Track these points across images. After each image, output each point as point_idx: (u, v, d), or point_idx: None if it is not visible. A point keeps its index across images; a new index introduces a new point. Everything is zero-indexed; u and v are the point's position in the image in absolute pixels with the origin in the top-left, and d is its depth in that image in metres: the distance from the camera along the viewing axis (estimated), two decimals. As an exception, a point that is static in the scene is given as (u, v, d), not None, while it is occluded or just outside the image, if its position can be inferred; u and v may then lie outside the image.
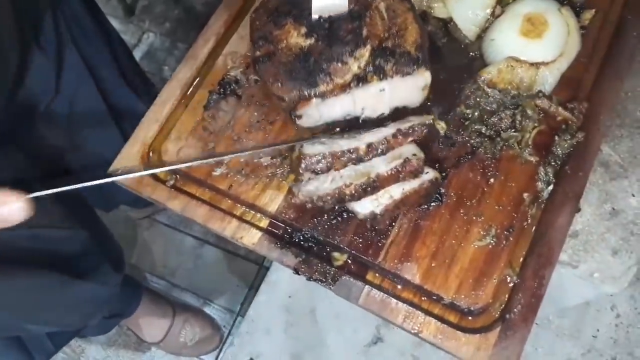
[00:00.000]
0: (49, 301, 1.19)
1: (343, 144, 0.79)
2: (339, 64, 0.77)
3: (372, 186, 0.78)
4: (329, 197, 0.78)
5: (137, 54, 2.25)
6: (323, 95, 0.77)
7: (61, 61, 1.06)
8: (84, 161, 1.19)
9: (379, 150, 0.78)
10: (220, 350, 1.82)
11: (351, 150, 0.77)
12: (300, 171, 0.77)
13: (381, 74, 0.78)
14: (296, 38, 0.80)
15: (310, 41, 0.79)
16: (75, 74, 1.10)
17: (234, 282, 1.96)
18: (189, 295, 1.97)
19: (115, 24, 2.24)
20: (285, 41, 0.80)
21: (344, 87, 0.77)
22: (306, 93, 0.78)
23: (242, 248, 1.94)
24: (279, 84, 0.79)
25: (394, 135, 0.78)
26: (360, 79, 0.78)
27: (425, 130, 0.80)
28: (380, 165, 0.78)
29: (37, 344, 1.34)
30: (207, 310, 1.93)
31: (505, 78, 0.86)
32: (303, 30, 0.80)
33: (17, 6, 0.91)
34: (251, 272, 1.92)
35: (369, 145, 0.77)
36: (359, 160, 0.77)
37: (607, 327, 1.26)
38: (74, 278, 1.19)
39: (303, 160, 0.77)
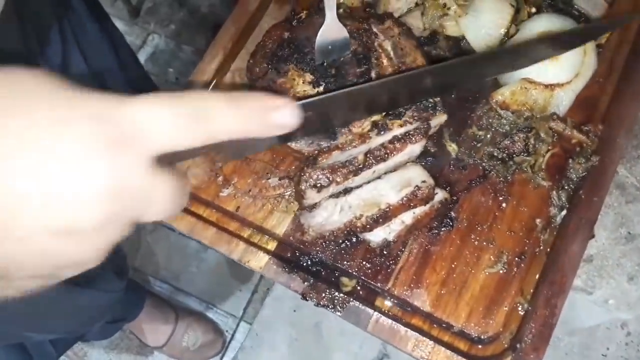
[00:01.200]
0: (49, 309, 1.18)
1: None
2: None
3: (384, 217, 0.77)
4: (340, 232, 0.78)
5: (142, 56, 2.24)
6: (343, 148, 0.75)
7: (66, 67, 1.05)
8: None
9: (378, 158, 0.76)
10: (223, 355, 1.82)
11: (350, 161, 0.75)
12: (302, 187, 0.75)
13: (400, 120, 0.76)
14: (302, 86, 0.77)
15: (318, 89, 0.77)
16: (81, 83, 1.08)
17: (237, 286, 1.95)
18: (192, 300, 1.97)
19: (120, 25, 2.24)
20: (291, 90, 0.77)
21: (364, 137, 0.75)
22: (325, 147, 0.75)
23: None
24: (295, 139, 0.76)
25: (391, 142, 0.77)
26: (381, 128, 0.75)
27: (422, 136, 0.78)
28: (390, 195, 0.77)
29: (39, 350, 1.34)
30: (210, 314, 1.93)
31: (518, 100, 0.84)
32: (308, 77, 0.78)
33: (23, 18, 0.90)
34: (254, 276, 1.92)
35: (367, 154, 0.76)
36: (358, 170, 0.76)
37: (618, 345, 1.24)
38: (74, 285, 1.18)
39: (303, 176, 0.76)
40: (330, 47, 0.77)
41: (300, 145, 0.77)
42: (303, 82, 0.77)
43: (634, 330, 1.24)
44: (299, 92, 0.76)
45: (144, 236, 2.06)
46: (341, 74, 0.77)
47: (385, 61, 0.78)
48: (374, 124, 0.76)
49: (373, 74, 0.77)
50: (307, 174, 0.76)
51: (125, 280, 1.43)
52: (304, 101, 0.46)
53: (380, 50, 0.79)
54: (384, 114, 0.77)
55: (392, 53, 0.79)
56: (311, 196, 0.78)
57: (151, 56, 2.25)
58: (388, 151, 0.77)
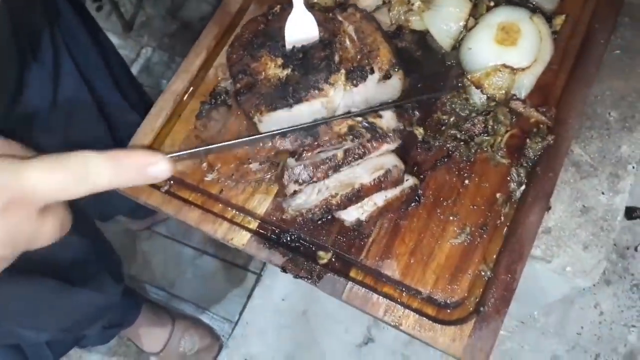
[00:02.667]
0: (44, 306, 1.21)
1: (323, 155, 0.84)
2: (316, 91, 0.81)
3: (357, 196, 0.83)
4: (317, 209, 0.84)
5: (136, 68, 2.31)
6: (324, 144, 0.82)
7: (58, 73, 1.10)
8: None
9: (356, 155, 0.83)
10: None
11: (330, 158, 0.82)
12: (285, 182, 0.82)
13: (373, 131, 0.83)
14: (274, 69, 0.84)
15: (287, 71, 0.84)
16: (71, 85, 1.14)
17: (232, 291, 1.98)
18: (188, 306, 1.99)
19: (114, 39, 2.31)
20: (263, 72, 0.84)
21: (341, 138, 0.82)
22: (308, 144, 0.82)
23: (241, 257, 1.99)
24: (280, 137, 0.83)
25: (369, 140, 0.83)
26: (356, 134, 0.82)
27: (398, 138, 0.85)
28: (364, 176, 0.84)
29: (36, 353, 1.37)
30: (206, 319, 1.95)
31: (492, 82, 0.90)
32: (279, 61, 0.85)
33: (15, 22, 0.96)
34: (249, 281, 1.95)
35: (347, 151, 0.82)
36: (338, 166, 0.82)
37: (591, 324, 1.30)
38: (71, 285, 1.22)
39: (286, 172, 0.82)
40: (298, 33, 0.84)
41: (285, 143, 0.83)
42: (274, 66, 0.84)
43: (606, 309, 1.30)
44: (270, 74, 0.83)
45: (140, 244, 2.10)
46: (307, 58, 0.84)
47: (348, 44, 0.86)
48: (350, 128, 0.82)
49: (336, 58, 0.84)
50: (290, 169, 0.83)
51: (121, 285, 1.46)
52: (174, 154, 0.54)
53: (344, 35, 0.86)
54: (359, 118, 0.83)
55: (354, 36, 0.87)
56: (292, 188, 0.84)
57: (145, 68, 2.32)
58: (366, 150, 0.84)
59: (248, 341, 1.44)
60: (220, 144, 0.75)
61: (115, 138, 1.26)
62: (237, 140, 0.70)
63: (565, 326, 1.28)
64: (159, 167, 0.50)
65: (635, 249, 1.31)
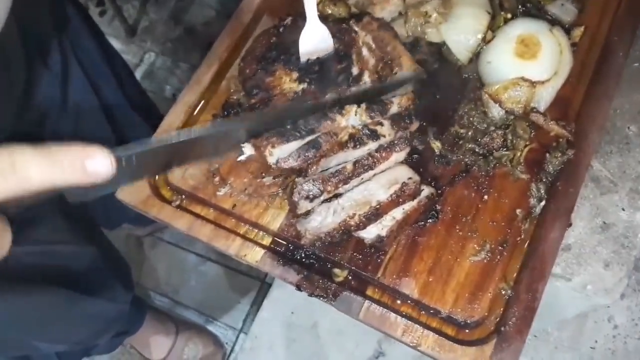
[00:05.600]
0: (58, 317, 1.21)
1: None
2: (328, 122, 0.78)
3: (376, 214, 0.81)
4: (335, 232, 0.81)
5: (139, 74, 2.30)
6: (327, 155, 0.78)
7: (66, 78, 1.11)
8: None
9: (366, 166, 0.81)
10: (223, 365, 1.84)
11: (339, 171, 0.80)
12: (296, 200, 0.80)
13: (375, 137, 0.80)
14: (289, 83, 0.81)
15: (303, 85, 0.81)
16: (79, 89, 1.15)
17: (236, 298, 1.98)
18: (191, 313, 1.98)
19: (117, 44, 2.30)
20: (278, 87, 0.81)
21: (342, 146, 0.79)
22: (311, 157, 0.78)
23: (244, 264, 1.97)
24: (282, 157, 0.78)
25: (377, 150, 0.81)
26: (357, 141, 0.79)
27: (406, 146, 0.83)
28: (379, 192, 0.81)
29: (45, 363, 1.36)
30: (210, 327, 1.95)
31: (510, 95, 0.88)
32: (295, 75, 0.82)
33: (23, 29, 0.95)
34: (253, 288, 1.95)
35: (356, 163, 0.80)
36: (348, 178, 0.80)
37: (605, 338, 1.29)
38: (83, 294, 1.22)
39: (295, 189, 0.79)
40: (313, 46, 0.82)
41: (289, 161, 0.78)
42: (290, 80, 0.82)
43: (621, 323, 1.28)
44: (286, 89, 0.81)
45: (144, 251, 2.09)
46: (323, 70, 0.82)
47: (367, 54, 0.83)
48: (351, 136, 0.79)
49: (354, 70, 0.82)
50: (299, 186, 0.80)
51: (131, 292, 1.46)
52: (120, 151, 0.47)
53: (361, 46, 0.84)
54: (360, 126, 0.80)
55: (373, 45, 0.85)
56: (304, 206, 0.81)
57: (148, 74, 2.31)
58: (375, 160, 0.82)
59: (257, 355, 1.42)
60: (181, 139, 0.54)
61: (121, 140, 1.25)
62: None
63: (579, 340, 1.26)
64: (97, 161, 0.45)
65: (650, 262, 1.29)
